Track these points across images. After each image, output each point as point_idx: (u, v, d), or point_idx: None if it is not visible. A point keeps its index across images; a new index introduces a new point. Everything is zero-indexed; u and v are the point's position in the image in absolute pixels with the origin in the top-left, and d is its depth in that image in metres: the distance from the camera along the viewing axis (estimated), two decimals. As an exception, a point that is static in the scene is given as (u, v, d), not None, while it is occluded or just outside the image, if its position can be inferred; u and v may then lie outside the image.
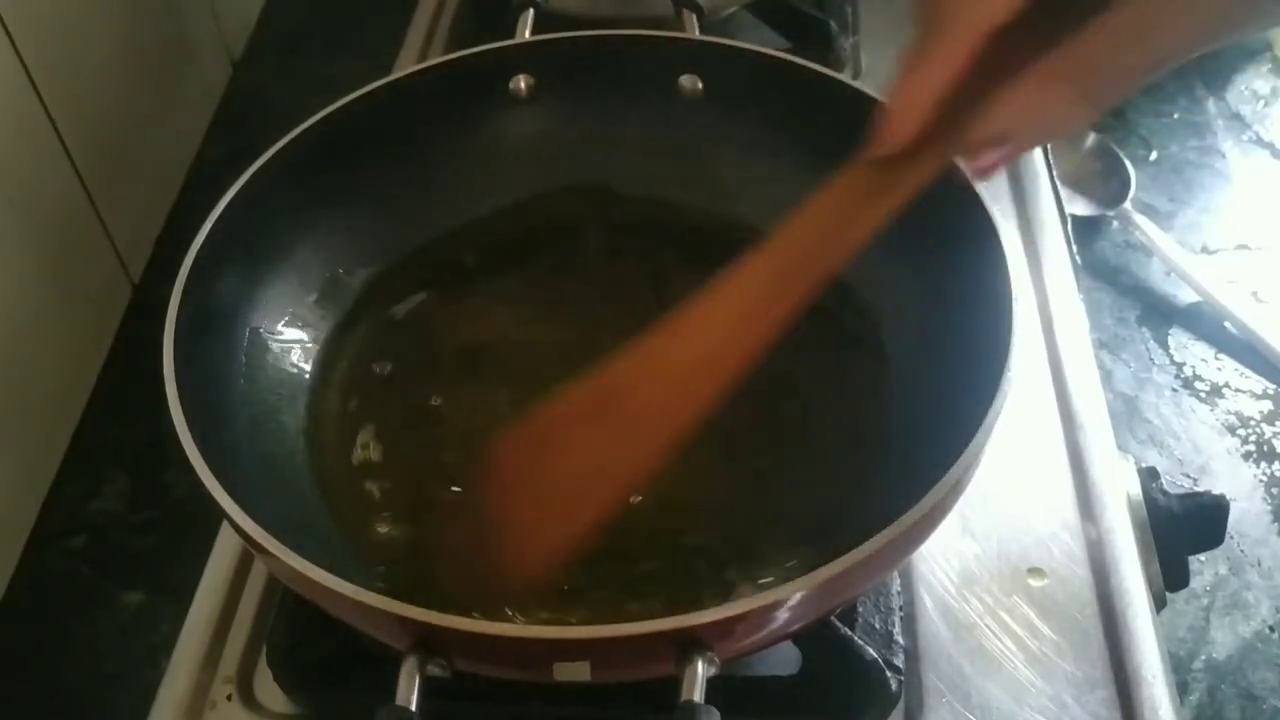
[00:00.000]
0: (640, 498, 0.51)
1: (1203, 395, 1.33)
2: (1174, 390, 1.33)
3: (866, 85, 0.57)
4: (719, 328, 0.41)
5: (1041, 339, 0.63)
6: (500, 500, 0.44)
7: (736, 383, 0.41)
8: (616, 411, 0.42)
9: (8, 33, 0.63)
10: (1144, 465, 0.59)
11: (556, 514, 0.43)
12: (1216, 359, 1.36)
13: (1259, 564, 1.19)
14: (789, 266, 0.40)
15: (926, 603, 0.53)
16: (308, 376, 0.57)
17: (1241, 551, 1.20)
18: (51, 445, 0.68)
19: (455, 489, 0.53)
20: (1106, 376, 1.32)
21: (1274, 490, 1.25)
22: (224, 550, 0.56)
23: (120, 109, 0.75)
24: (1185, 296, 1.41)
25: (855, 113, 0.56)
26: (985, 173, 0.38)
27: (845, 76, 0.60)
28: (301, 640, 0.51)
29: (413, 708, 0.38)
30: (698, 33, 0.63)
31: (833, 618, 0.48)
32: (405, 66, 0.69)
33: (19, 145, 0.65)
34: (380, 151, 0.60)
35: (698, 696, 0.37)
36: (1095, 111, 0.35)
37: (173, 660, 0.52)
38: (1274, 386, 1.33)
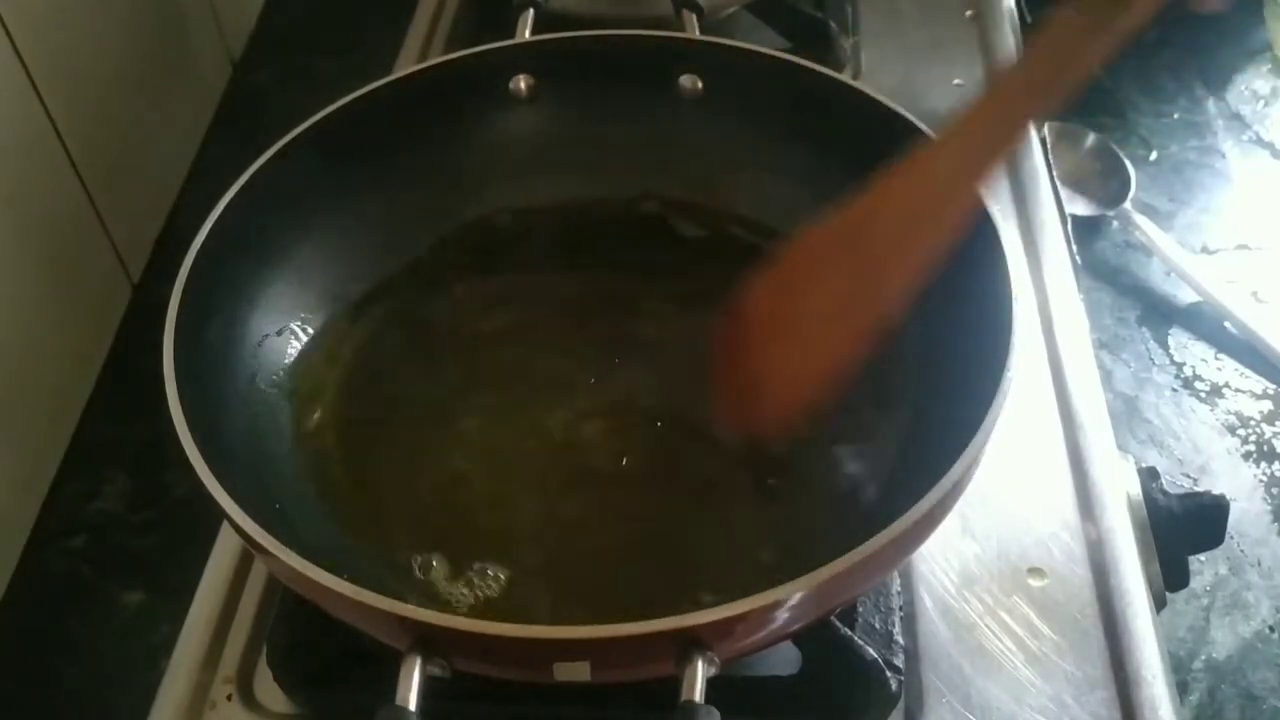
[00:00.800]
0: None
1: (1203, 395, 1.33)
2: (1174, 390, 1.33)
3: (866, 85, 0.57)
4: (950, 161, 0.42)
5: (1041, 339, 0.63)
6: (758, 340, 0.45)
7: (968, 219, 0.42)
8: (858, 246, 0.43)
9: (8, 33, 0.63)
10: (1144, 465, 0.59)
11: (812, 349, 0.44)
12: (1216, 359, 1.36)
13: (1259, 564, 1.19)
14: (1013, 103, 0.41)
15: (926, 603, 0.53)
16: (308, 376, 0.57)
17: (1241, 551, 1.20)
18: (51, 445, 0.68)
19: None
20: (1106, 376, 1.32)
21: (1274, 490, 1.25)
22: (224, 550, 0.56)
23: (120, 109, 0.75)
24: (1185, 296, 1.41)
25: (855, 112, 0.57)
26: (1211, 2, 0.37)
27: (845, 76, 0.60)
28: (301, 640, 0.50)
29: (413, 708, 0.38)
30: (698, 33, 0.63)
31: (833, 618, 0.48)
32: (405, 66, 0.69)
33: (19, 145, 0.65)
34: (380, 151, 0.60)
35: (698, 696, 0.37)
36: None
37: (173, 660, 0.52)
38: (1274, 386, 1.33)
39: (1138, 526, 0.55)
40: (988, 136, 0.42)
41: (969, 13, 0.83)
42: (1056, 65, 0.40)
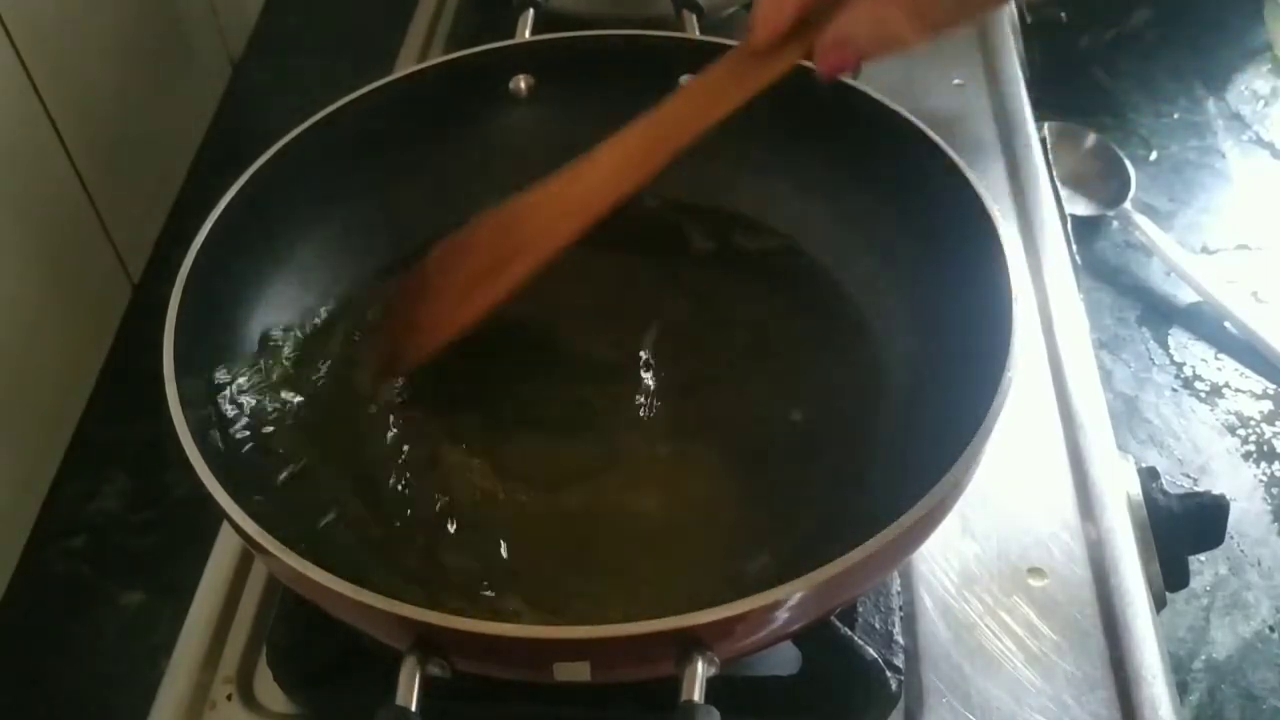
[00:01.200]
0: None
1: (1203, 395, 1.33)
2: (1174, 390, 1.33)
3: (866, 85, 0.57)
4: (599, 176, 0.52)
5: (1041, 339, 0.63)
6: (419, 293, 0.56)
7: (604, 218, 0.51)
8: (515, 228, 0.54)
9: (8, 33, 0.63)
10: (1144, 465, 0.59)
11: (461, 296, 0.54)
12: (1216, 359, 1.36)
13: (1259, 564, 1.19)
14: (661, 133, 0.50)
15: (926, 603, 0.53)
16: (308, 376, 0.57)
17: (1241, 551, 1.20)
18: (51, 445, 0.68)
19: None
20: (1106, 376, 1.32)
21: (1274, 490, 1.25)
22: (224, 550, 0.56)
23: (120, 109, 0.75)
24: (1185, 296, 1.41)
25: (855, 112, 0.57)
26: (832, 71, 0.45)
27: (845, 76, 0.60)
28: (301, 640, 0.51)
29: (413, 708, 0.38)
30: (698, 33, 0.63)
31: (833, 618, 0.48)
32: (405, 66, 0.69)
33: (19, 145, 0.65)
34: (380, 151, 0.60)
35: (698, 696, 0.37)
36: (930, 32, 0.43)
37: (173, 660, 0.52)
38: (1274, 386, 1.33)
39: (1138, 526, 0.55)
40: (633, 156, 0.51)
41: (969, 13, 0.83)
42: (706, 104, 0.49)
